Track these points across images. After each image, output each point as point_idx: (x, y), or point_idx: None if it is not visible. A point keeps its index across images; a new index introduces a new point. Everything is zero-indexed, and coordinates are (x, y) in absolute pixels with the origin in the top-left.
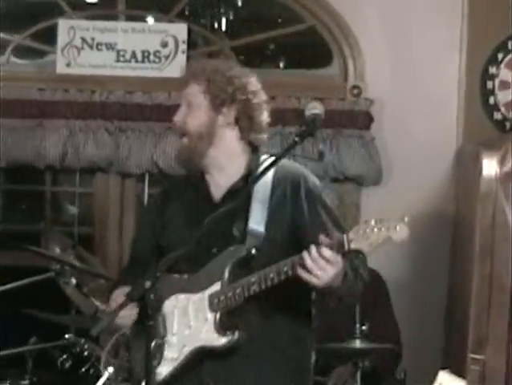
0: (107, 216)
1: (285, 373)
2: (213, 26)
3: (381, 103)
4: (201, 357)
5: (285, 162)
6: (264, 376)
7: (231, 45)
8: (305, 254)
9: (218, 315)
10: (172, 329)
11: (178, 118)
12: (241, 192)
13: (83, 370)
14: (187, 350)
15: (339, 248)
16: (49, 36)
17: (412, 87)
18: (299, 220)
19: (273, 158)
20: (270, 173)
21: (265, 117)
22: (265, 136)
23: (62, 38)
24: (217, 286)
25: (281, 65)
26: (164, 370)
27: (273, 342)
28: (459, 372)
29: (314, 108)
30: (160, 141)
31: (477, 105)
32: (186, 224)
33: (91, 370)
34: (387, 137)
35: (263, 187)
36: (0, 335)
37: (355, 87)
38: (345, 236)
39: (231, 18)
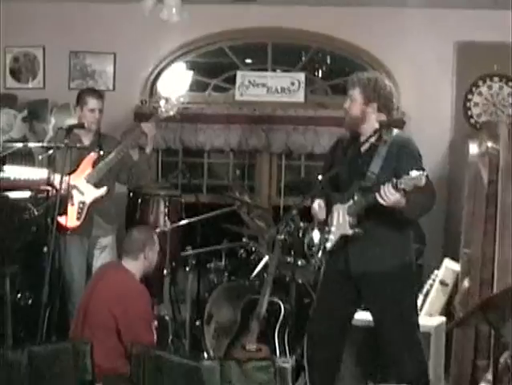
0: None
1: (396, 252)
2: (314, 73)
3: (408, 118)
4: (345, 241)
5: (400, 133)
6: (381, 255)
7: (326, 84)
8: (380, 189)
9: (350, 218)
10: (333, 222)
11: (346, 106)
12: (370, 150)
13: (252, 257)
14: (337, 235)
15: (395, 186)
16: (231, 80)
17: (426, 106)
18: (399, 169)
19: (395, 131)
20: (390, 139)
21: (394, 107)
22: (392, 118)
23: (238, 81)
24: (351, 202)
25: None
26: (328, 245)
27: (383, 234)
28: (455, 260)
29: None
30: (290, 135)
31: (461, 114)
32: (344, 163)
33: (256, 258)
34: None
35: (383, 147)
36: (208, 240)
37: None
38: (398, 180)
39: (324, 69)
